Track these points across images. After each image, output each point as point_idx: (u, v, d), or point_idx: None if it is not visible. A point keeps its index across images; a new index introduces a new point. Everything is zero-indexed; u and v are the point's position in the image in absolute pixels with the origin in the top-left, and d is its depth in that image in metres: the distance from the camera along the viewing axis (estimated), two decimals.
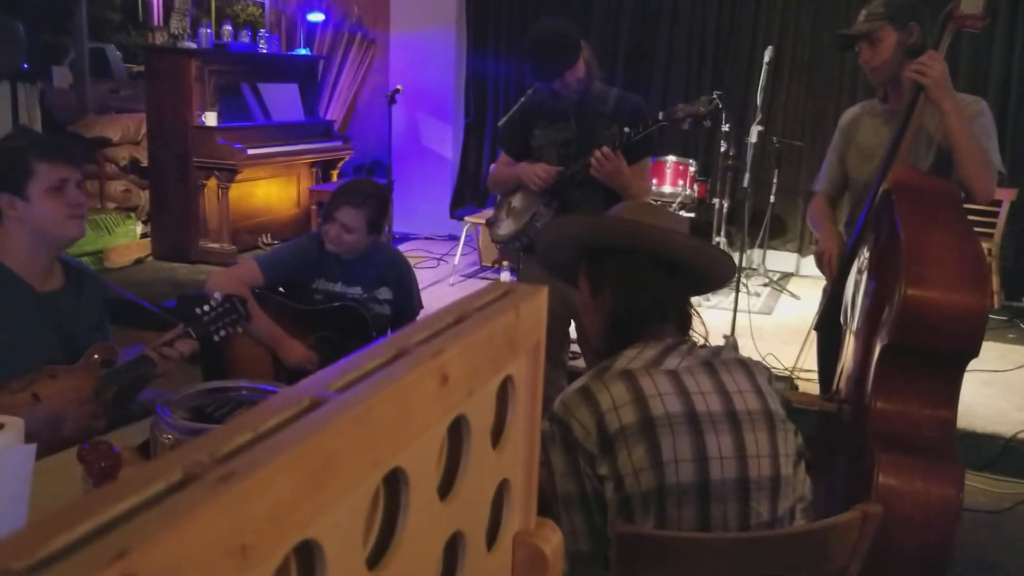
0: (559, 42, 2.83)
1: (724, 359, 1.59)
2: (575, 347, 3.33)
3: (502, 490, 0.60)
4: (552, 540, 0.63)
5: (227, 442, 0.35)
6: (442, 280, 6.00)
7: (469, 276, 6.20)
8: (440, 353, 0.47)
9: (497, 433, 0.59)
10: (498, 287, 0.59)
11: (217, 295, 2.21)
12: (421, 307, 3.03)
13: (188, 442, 1.29)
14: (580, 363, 3.35)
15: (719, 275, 1.75)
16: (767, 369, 1.66)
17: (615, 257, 1.65)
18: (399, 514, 0.47)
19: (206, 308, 2.16)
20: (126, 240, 6.33)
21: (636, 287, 1.63)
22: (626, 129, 2.81)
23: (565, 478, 1.51)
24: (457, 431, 0.53)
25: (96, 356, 2.13)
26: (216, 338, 2.18)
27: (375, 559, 0.47)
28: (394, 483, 0.47)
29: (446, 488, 0.53)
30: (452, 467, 0.54)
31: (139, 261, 6.21)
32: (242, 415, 0.38)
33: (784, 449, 1.55)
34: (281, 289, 2.87)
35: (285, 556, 0.36)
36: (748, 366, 1.61)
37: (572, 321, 3.10)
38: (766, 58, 5.42)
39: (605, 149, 2.75)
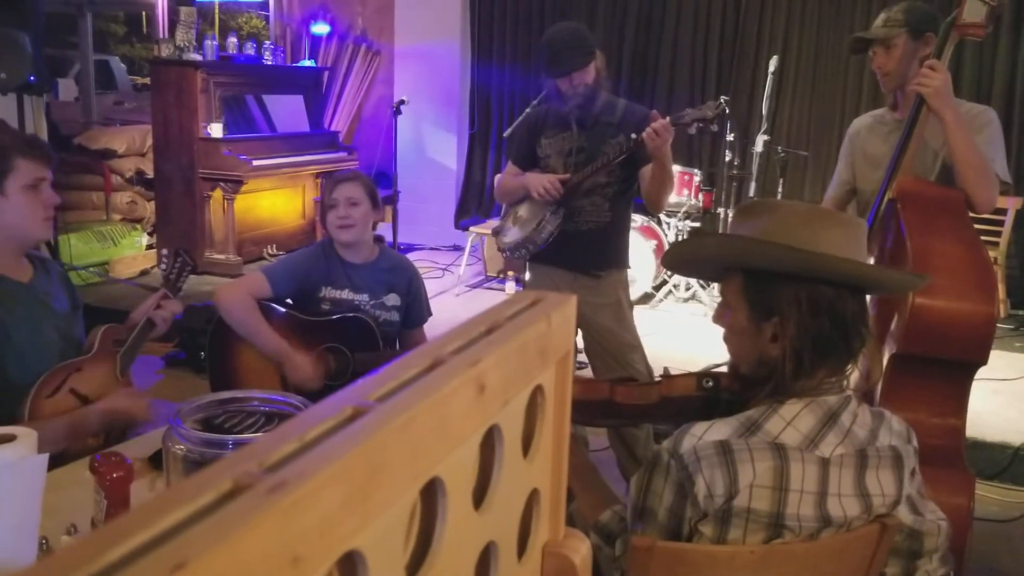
0: (576, 38, 2.94)
1: (879, 447, 1.43)
2: (583, 357, 3.32)
3: (531, 500, 0.60)
4: (581, 550, 0.63)
5: (274, 451, 0.35)
6: (447, 290, 6.01)
7: (474, 286, 6.20)
8: (477, 362, 0.47)
9: (526, 443, 0.59)
10: (526, 296, 0.59)
11: (165, 251, 2.40)
12: (430, 314, 3.00)
13: (211, 453, 1.27)
14: (588, 373, 3.34)
15: (903, 291, 1.58)
16: (916, 452, 1.49)
17: (788, 280, 1.41)
18: (436, 524, 0.47)
19: (164, 268, 2.39)
20: (132, 251, 6.34)
21: (820, 311, 1.40)
22: (633, 135, 2.81)
23: (661, 507, 1.40)
24: (489, 441, 0.53)
25: (109, 338, 2.25)
26: (179, 290, 2.46)
27: (412, 569, 0.47)
28: (430, 493, 0.47)
29: (479, 498, 0.53)
30: (484, 477, 0.54)
31: (144, 272, 6.21)
32: (285, 424, 0.38)
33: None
34: (289, 301, 2.85)
35: (330, 567, 0.36)
36: (900, 459, 1.45)
37: (580, 330, 3.10)
38: (771, 68, 5.44)
39: (664, 120, 2.75)
